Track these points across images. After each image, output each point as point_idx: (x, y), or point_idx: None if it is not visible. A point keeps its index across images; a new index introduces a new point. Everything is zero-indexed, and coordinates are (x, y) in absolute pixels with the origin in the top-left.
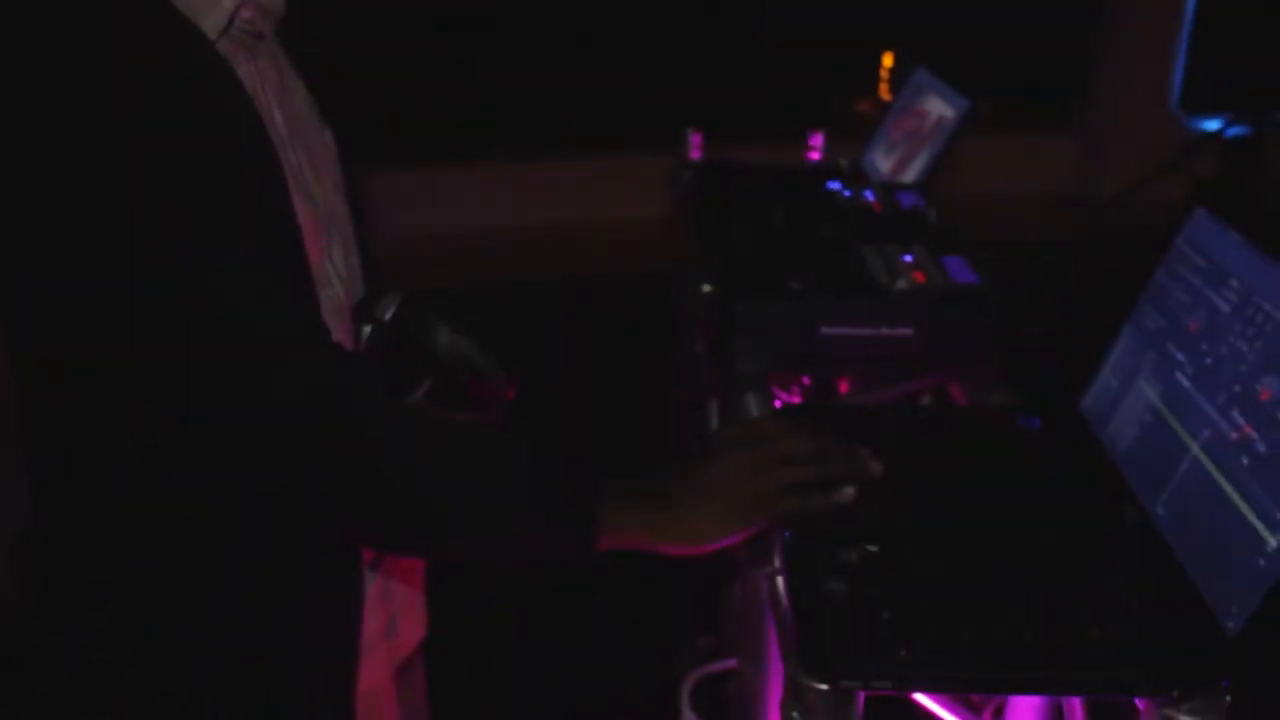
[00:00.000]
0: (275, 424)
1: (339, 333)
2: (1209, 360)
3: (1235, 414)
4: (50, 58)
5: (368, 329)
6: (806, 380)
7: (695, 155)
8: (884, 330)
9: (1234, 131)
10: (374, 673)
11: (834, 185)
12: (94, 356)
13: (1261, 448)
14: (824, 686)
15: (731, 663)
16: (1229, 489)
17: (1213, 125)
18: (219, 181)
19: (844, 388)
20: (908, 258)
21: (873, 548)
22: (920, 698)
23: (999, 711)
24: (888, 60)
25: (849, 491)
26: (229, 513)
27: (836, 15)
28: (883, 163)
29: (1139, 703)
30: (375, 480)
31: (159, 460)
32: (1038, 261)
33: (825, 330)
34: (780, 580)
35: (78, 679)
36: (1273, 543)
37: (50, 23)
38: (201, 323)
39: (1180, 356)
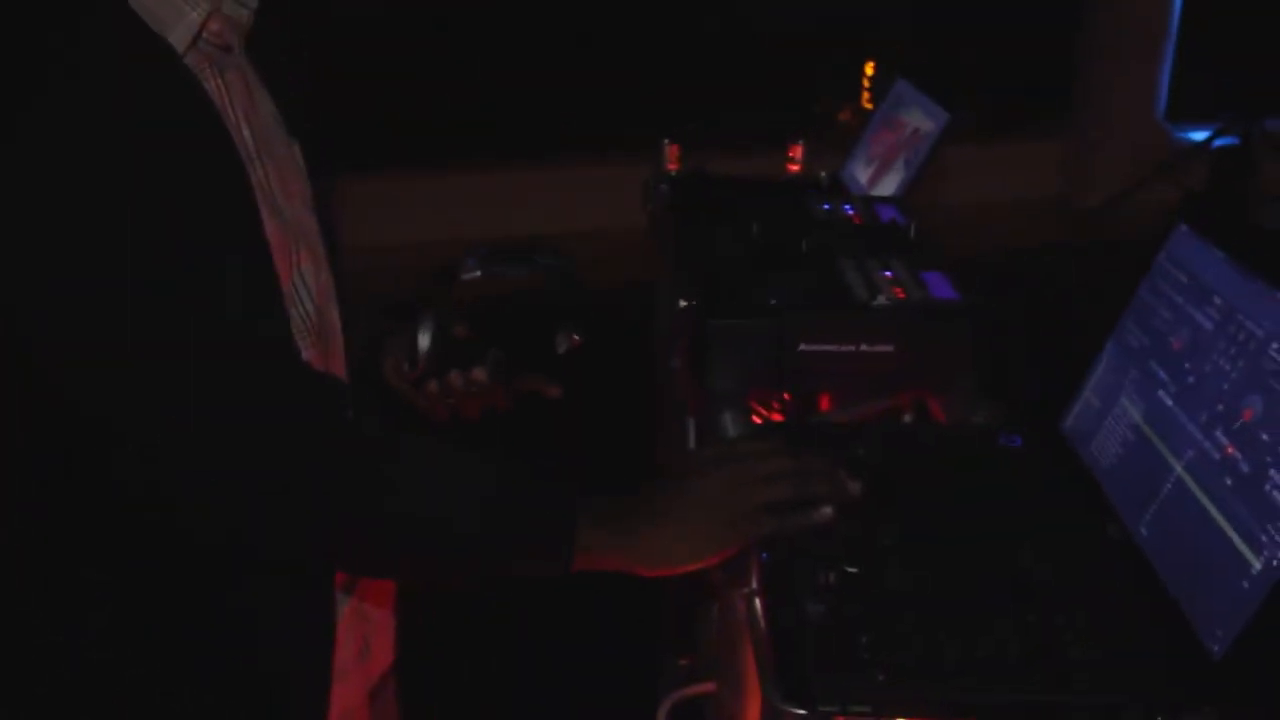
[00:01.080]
0: (277, 423)
1: (307, 350)
2: (1192, 379)
3: (1218, 434)
4: (50, 58)
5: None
6: (786, 396)
7: (672, 167)
8: (863, 347)
9: (1222, 141)
10: (348, 697)
11: (813, 198)
12: (94, 356)
13: (1245, 468)
14: (802, 711)
15: (709, 686)
16: (1212, 509)
17: (1200, 135)
18: (213, 183)
19: (824, 404)
20: (887, 273)
21: (852, 569)
22: None
23: None
24: (869, 69)
25: (827, 510)
26: (230, 515)
27: (817, 20)
28: (862, 175)
29: None
30: (377, 479)
31: (160, 463)
32: (1024, 271)
33: (804, 347)
34: (758, 602)
35: (78, 679)
36: (1257, 565)
37: (50, 23)
38: (203, 322)
39: (1163, 375)
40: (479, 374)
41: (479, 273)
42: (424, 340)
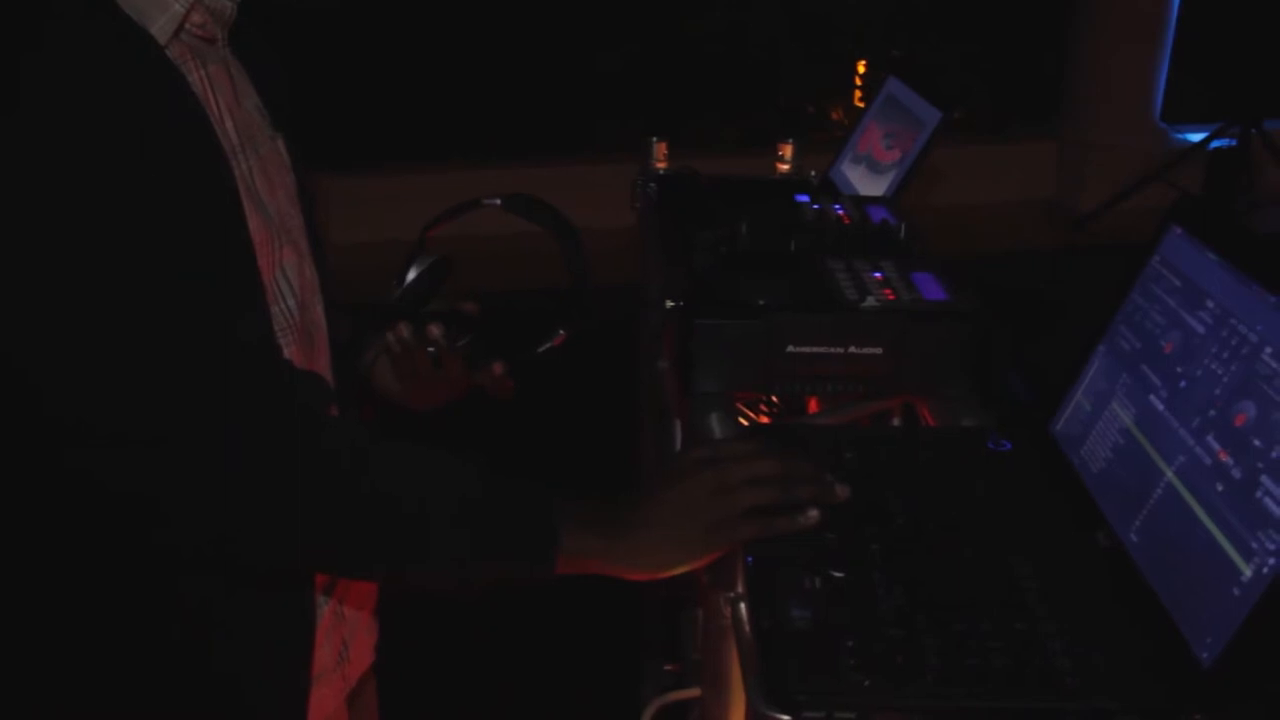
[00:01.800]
0: (261, 420)
1: (289, 348)
2: (1184, 383)
3: (1210, 439)
4: (24, 65)
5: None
6: (773, 398)
7: (660, 165)
8: (852, 349)
9: (1219, 143)
10: (326, 699)
11: (802, 198)
12: (77, 365)
13: (1236, 474)
14: (786, 717)
15: (694, 691)
16: (1203, 516)
17: (1196, 137)
18: (197, 178)
19: (812, 406)
20: (877, 274)
21: (837, 573)
22: None
23: None
24: (861, 68)
25: (814, 514)
26: (215, 514)
27: (811, 18)
28: (853, 175)
29: None
30: (364, 481)
31: (144, 463)
32: (1016, 274)
33: (791, 348)
34: (743, 606)
35: (68, 679)
36: (1247, 572)
37: (42, 13)
38: (189, 319)
39: (1155, 379)
40: (434, 329)
41: (499, 201)
42: (414, 270)
